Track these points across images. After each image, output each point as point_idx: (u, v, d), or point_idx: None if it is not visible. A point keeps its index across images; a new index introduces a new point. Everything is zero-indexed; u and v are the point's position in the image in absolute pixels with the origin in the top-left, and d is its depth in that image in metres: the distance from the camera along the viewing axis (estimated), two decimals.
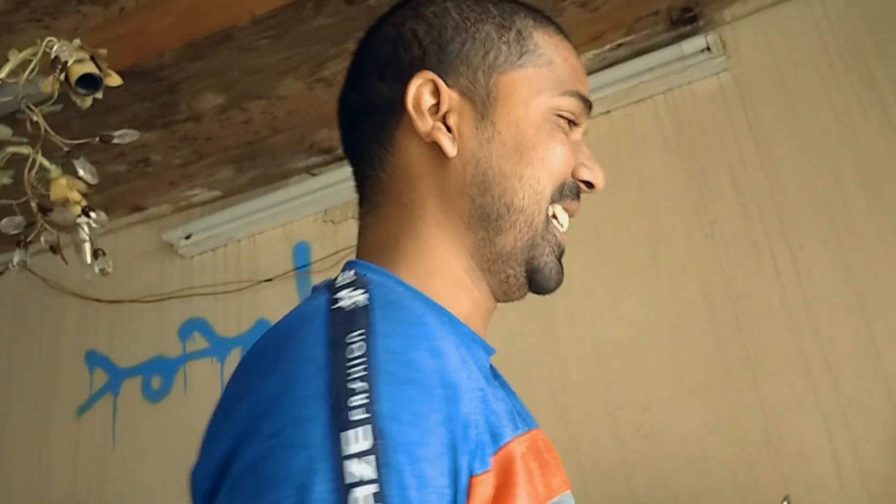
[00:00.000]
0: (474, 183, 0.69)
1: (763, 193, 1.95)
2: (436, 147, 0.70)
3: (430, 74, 0.70)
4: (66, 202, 1.40)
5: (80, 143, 1.18)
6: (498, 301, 0.74)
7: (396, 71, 0.71)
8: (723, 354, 1.88)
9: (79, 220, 1.42)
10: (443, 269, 0.69)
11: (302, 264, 2.44)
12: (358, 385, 0.49)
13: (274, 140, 2.40)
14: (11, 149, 1.38)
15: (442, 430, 0.51)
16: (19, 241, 1.38)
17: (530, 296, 0.76)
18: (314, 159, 2.50)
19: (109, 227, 2.68)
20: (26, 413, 2.66)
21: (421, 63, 0.71)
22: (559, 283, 0.74)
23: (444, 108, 0.70)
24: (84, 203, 1.40)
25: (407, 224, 0.70)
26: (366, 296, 0.56)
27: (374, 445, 0.48)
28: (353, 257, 0.72)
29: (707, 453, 1.81)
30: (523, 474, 0.56)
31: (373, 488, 0.46)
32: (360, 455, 0.47)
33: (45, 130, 1.14)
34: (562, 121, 0.72)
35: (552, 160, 0.70)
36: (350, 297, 0.56)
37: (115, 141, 1.15)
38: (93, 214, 1.40)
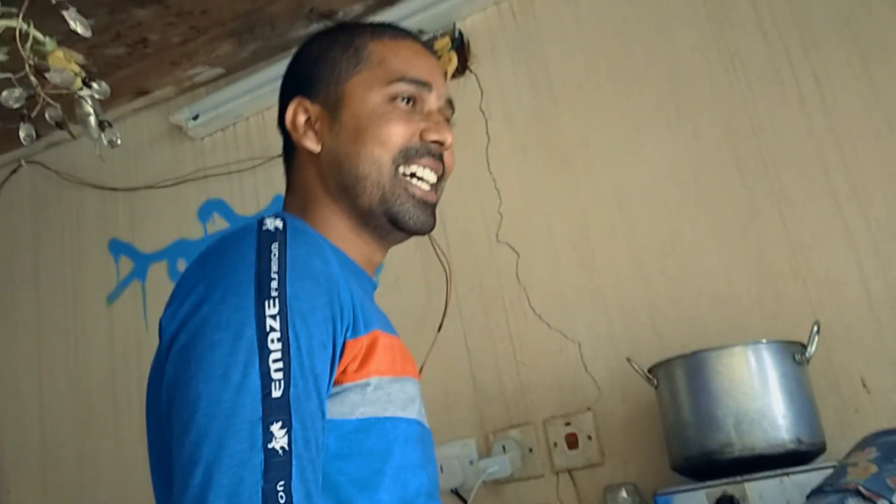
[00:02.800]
0: (332, 166, 0.96)
1: (785, 18, 1.86)
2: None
3: (299, 99, 0.99)
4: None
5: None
6: (384, 243, 1.00)
7: (286, 99, 1.02)
8: (747, 189, 1.84)
9: (80, 93, 1.39)
10: (333, 229, 0.95)
11: None
12: (274, 275, 0.77)
13: (272, 8, 2.31)
14: (1, 22, 1.34)
15: (326, 308, 0.79)
16: (23, 116, 1.35)
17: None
18: (315, 26, 2.41)
19: (116, 113, 2.64)
20: (58, 306, 2.69)
21: (296, 90, 1.00)
22: (425, 223, 0.97)
23: (312, 120, 0.98)
24: (83, 74, 1.36)
25: (308, 198, 0.99)
26: (282, 223, 0.82)
27: (282, 310, 0.75)
28: None
29: (733, 289, 1.81)
30: (385, 348, 0.85)
31: (278, 335, 0.75)
32: (273, 316, 0.75)
33: None
34: (400, 102, 0.96)
35: (384, 135, 0.94)
36: (272, 223, 0.82)
37: None
38: (94, 85, 1.37)
